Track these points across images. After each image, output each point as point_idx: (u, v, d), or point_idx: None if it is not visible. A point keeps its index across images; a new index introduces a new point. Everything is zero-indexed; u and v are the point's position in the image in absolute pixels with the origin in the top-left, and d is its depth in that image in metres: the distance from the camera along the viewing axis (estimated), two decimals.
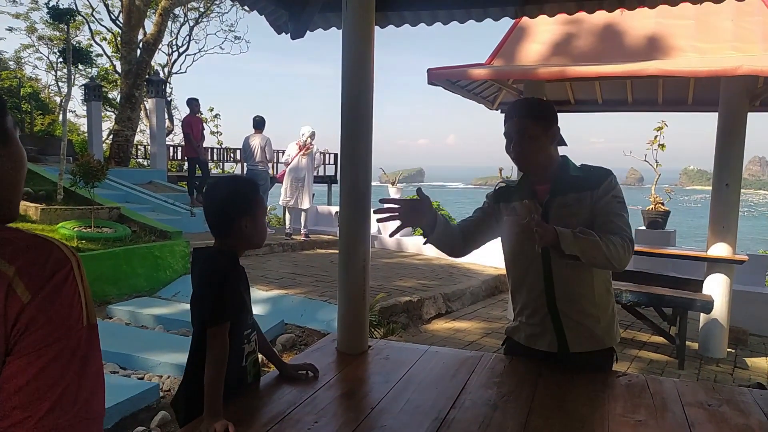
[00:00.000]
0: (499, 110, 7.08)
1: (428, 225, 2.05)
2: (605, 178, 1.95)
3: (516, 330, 2.15)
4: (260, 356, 1.87)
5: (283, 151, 9.81)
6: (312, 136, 8.93)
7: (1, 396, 0.73)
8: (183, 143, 10.72)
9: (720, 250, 5.14)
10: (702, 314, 5.21)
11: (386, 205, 2.03)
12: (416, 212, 2.04)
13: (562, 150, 2.09)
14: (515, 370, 2.08)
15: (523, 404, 1.76)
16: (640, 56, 5.21)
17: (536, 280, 2.02)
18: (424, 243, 2.15)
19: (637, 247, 6.51)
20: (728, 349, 5.34)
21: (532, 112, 1.98)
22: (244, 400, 1.73)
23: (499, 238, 2.16)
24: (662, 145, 8.08)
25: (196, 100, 10.54)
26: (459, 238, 2.15)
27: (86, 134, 14.90)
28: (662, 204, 7.89)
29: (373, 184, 2.38)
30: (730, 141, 5.09)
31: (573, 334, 2.01)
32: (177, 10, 21.04)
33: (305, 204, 8.96)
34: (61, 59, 22.50)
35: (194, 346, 1.68)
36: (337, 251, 2.39)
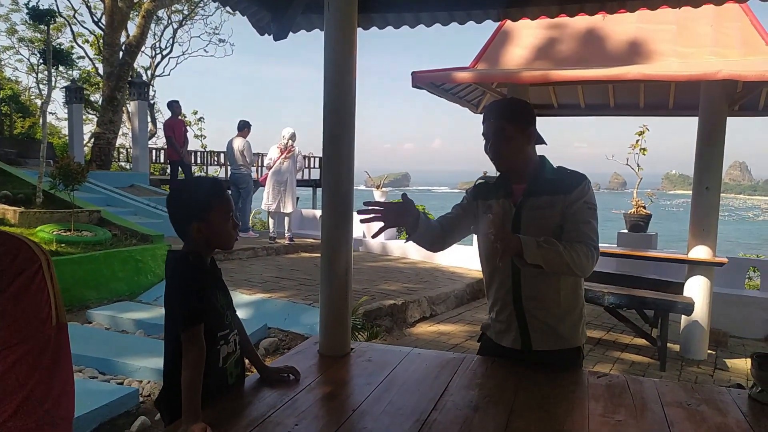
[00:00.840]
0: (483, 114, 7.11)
1: (411, 225, 2.08)
2: (579, 183, 1.97)
3: (488, 326, 2.22)
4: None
5: (265, 154, 9.74)
6: (292, 137, 8.82)
7: None
8: (165, 146, 10.58)
9: (700, 252, 5.21)
10: (683, 316, 5.27)
11: (370, 207, 2.05)
12: (399, 213, 2.07)
13: (541, 149, 2.12)
14: (496, 372, 2.08)
15: (504, 405, 1.75)
16: (621, 60, 5.27)
17: (505, 278, 2.06)
18: (406, 241, 2.21)
19: (619, 250, 6.60)
20: (708, 351, 5.40)
21: (509, 113, 2.00)
22: (223, 403, 1.70)
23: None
24: (644, 149, 8.19)
25: (177, 102, 10.41)
26: (439, 235, 2.17)
27: (67, 137, 14.70)
28: (644, 207, 7.98)
29: (358, 187, 2.39)
30: (710, 145, 5.16)
31: (537, 333, 2.04)
32: (160, 13, 20.89)
33: (288, 208, 8.88)
34: (41, 61, 22.22)
35: (169, 350, 1.65)
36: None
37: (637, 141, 8.16)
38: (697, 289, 5.24)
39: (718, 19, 5.22)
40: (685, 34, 5.33)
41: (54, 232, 6.30)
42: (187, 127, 10.96)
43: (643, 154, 8.17)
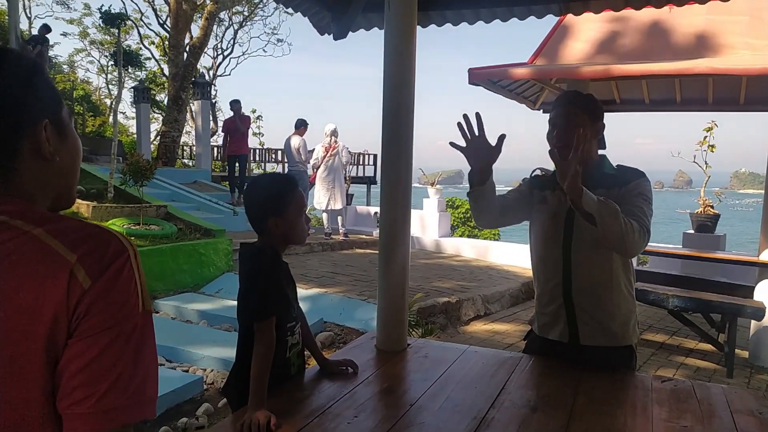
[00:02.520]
0: (541, 110, 6.98)
1: (483, 174, 1.97)
2: (637, 177, 1.95)
3: (534, 320, 2.20)
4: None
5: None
6: (333, 134, 9.00)
7: (64, 376, 0.77)
8: (229, 143, 11.04)
9: None
10: (753, 321, 5.01)
11: (467, 123, 1.94)
12: (487, 151, 1.95)
13: (600, 152, 2.07)
14: (554, 373, 2.05)
15: (563, 407, 1.74)
16: (689, 54, 5.05)
17: (555, 270, 2.03)
18: (468, 193, 2.05)
19: (684, 251, 6.35)
20: None
21: (582, 102, 1.99)
22: (286, 393, 1.76)
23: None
24: (712, 146, 7.82)
25: (238, 102, 10.89)
26: (497, 207, 2.09)
27: (135, 135, 15.41)
28: (712, 207, 7.64)
29: (412, 185, 2.40)
30: None
31: (586, 327, 2.01)
32: (222, 14, 21.54)
33: (338, 204, 9.03)
34: (111, 62, 23.34)
35: (242, 339, 1.72)
36: (375, 251, 2.42)
37: (705, 137, 7.80)
38: None
39: None
40: (757, 25, 5.06)
41: (124, 226, 6.64)
42: (249, 122, 11.36)
43: (712, 151, 7.80)
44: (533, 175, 2.19)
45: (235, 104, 10.89)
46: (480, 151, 1.96)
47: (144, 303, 0.84)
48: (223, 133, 10.83)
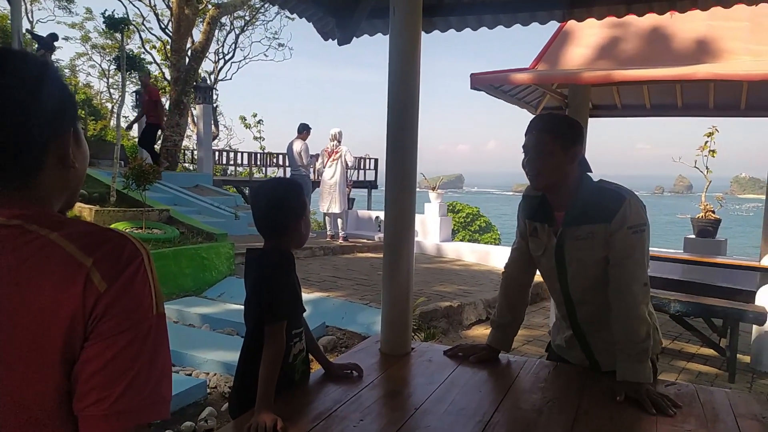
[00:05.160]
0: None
1: (503, 347, 2.24)
2: (618, 207, 1.80)
3: (552, 336, 2.21)
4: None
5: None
6: (334, 137, 9.21)
7: (80, 378, 0.78)
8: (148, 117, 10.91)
9: None
10: (754, 326, 5.02)
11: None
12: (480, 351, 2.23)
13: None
14: (560, 376, 2.06)
15: (568, 410, 1.74)
16: (690, 59, 5.07)
17: (560, 302, 2.04)
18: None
19: (686, 256, 6.35)
20: None
21: (553, 128, 1.85)
22: (292, 397, 1.77)
23: None
24: (713, 151, 7.83)
25: (147, 74, 11.10)
26: (525, 298, 2.22)
27: (136, 139, 15.42)
28: (713, 212, 7.64)
29: None
30: None
31: (603, 355, 2.01)
32: (224, 19, 21.60)
33: (336, 209, 9.25)
34: (113, 66, 23.40)
35: (247, 343, 1.73)
36: (377, 256, 2.44)
37: (706, 142, 7.82)
38: None
39: None
40: (759, 31, 5.08)
41: (127, 230, 6.65)
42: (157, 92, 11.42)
43: (712, 157, 7.81)
44: (523, 199, 2.09)
45: (144, 77, 11.03)
46: (477, 350, 2.23)
47: (158, 306, 0.85)
48: (146, 104, 10.76)
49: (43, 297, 0.76)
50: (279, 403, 1.65)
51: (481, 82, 5.60)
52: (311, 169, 9.76)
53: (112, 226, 6.73)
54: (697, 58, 5.13)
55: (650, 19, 5.34)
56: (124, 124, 10.94)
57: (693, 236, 7.48)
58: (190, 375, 3.98)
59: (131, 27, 19.58)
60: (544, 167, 1.85)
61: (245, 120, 26.01)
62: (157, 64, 23.64)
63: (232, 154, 17.99)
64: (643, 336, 1.82)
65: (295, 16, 2.98)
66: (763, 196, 5.17)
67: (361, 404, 1.76)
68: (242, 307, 1.79)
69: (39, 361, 0.77)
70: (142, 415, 0.80)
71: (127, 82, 21.23)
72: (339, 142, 9.20)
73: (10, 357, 0.76)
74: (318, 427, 1.59)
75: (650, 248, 1.93)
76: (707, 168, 7.98)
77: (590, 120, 6.12)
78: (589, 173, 1.94)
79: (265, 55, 37.68)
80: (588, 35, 5.76)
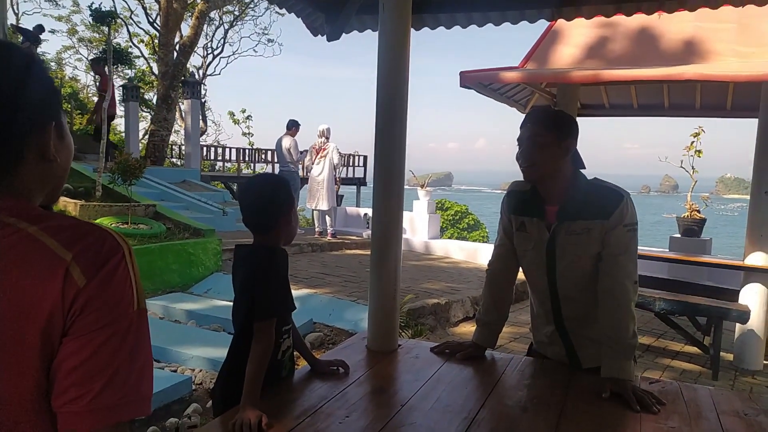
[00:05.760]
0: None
1: (488, 344, 2.23)
2: (617, 205, 1.83)
3: (533, 333, 2.21)
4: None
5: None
6: (322, 134, 9.21)
7: (59, 375, 0.77)
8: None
9: (757, 259, 5.01)
10: (738, 324, 5.08)
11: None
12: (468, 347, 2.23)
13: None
14: (545, 373, 2.07)
15: (553, 407, 1.75)
16: (677, 60, 5.12)
17: (544, 297, 2.04)
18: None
19: (671, 255, 6.41)
20: (765, 362, 5.19)
21: (547, 121, 1.89)
22: (277, 393, 1.76)
23: None
24: (699, 152, 7.91)
25: (99, 61, 10.36)
26: (509, 295, 2.23)
27: (123, 134, 15.28)
28: (698, 212, 7.72)
29: None
30: None
31: (584, 351, 2.02)
32: (213, 14, 21.44)
33: (324, 205, 9.26)
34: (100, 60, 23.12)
35: (236, 340, 1.72)
36: (365, 252, 2.44)
37: (692, 143, 7.90)
38: (753, 296, 5.04)
39: None
40: (745, 33, 5.13)
41: (112, 225, 6.59)
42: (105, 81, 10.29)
43: (699, 157, 7.89)
44: (509, 193, 2.10)
45: (95, 64, 10.80)
46: (463, 347, 2.23)
47: (139, 301, 0.84)
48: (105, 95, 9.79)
49: (22, 291, 0.75)
50: (264, 400, 1.64)
51: (470, 80, 5.61)
52: (300, 166, 9.74)
53: (98, 221, 6.66)
54: (684, 58, 5.18)
55: (638, 20, 5.39)
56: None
57: (678, 235, 7.56)
58: (175, 371, 3.95)
59: (119, 20, 19.36)
60: (537, 158, 1.88)
61: (234, 115, 25.85)
62: (145, 59, 23.43)
63: (220, 150, 17.88)
64: (632, 333, 1.84)
65: (284, 11, 2.96)
66: (748, 196, 5.23)
67: (347, 401, 1.76)
68: (229, 303, 1.78)
69: (17, 357, 0.75)
70: (122, 412, 0.79)
71: (114, 76, 21.04)
72: (327, 138, 9.20)
73: None
74: (303, 424, 1.59)
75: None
76: (693, 168, 8.06)
77: (578, 119, 6.15)
78: (582, 170, 1.96)
79: (254, 50, 37.46)
80: (577, 35, 5.79)
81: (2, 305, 0.74)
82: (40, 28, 11.53)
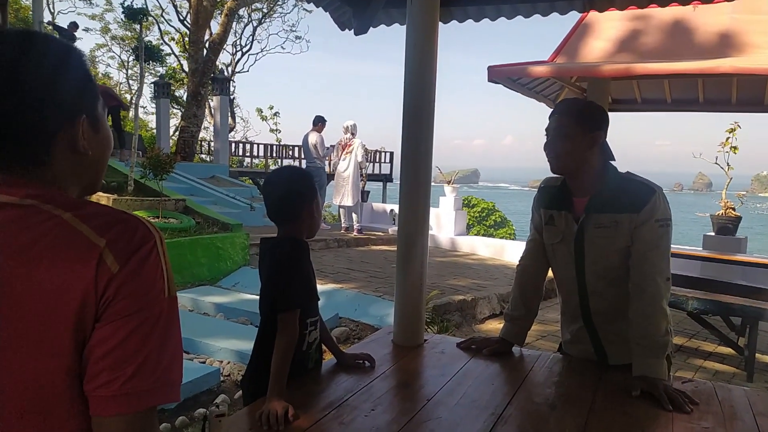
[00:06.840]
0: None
1: (516, 340, 2.23)
2: (648, 199, 1.80)
3: (562, 333, 2.18)
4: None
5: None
6: (347, 130, 9.23)
7: (91, 359, 0.78)
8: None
9: None
10: None
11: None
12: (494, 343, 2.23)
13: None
14: (574, 371, 2.04)
15: (582, 405, 1.72)
16: (712, 53, 4.98)
17: (572, 293, 2.01)
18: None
19: (704, 253, 6.26)
20: None
21: (575, 112, 1.87)
22: (304, 385, 1.77)
23: None
24: (735, 148, 7.69)
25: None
26: (539, 291, 2.19)
27: (154, 130, 15.56)
28: (733, 209, 7.51)
29: None
30: None
31: (612, 346, 1.98)
32: (242, 11, 21.66)
33: (349, 201, 9.29)
34: (132, 57, 23.60)
35: (261, 332, 1.74)
36: (391, 248, 2.45)
37: (728, 138, 7.68)
38: None
39: None
40: None
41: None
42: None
43: (734, 153, 7.67)
44: (540, 189, 2.09)
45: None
46: (490, 343, 2.23)
47: (170, 289, 0.85)
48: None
49: (56, 277, 0.76)
50: (290, 391, 1.65)
51: (498, 74, 5.56)
52: (327, 161, 9.80)
53: None
54: (720, 51, 5.04)
55: (672, 12, 5.26)
56: (141, 115, 10.92)
57: (712, 234, 7.37)
58: (204, 363, 4.02)
59: (150, 18, 19.70)
60: (563, 150, 1.86)
61: (262, 112, 26.12)
62: (176, 56, 23.81)
63: (248, 146, 18.08)
64: (664, 331, 1.79)
65: (312, 6, 2.97)
66: None
67: (372, 394, 1.76)
68: (256, 297, 1.79)
69: (50, 342, 0.77)
70: (152, 398, 0.79)
71: (146, 73, 21.43)
72: (353, 135, 9.23)
73: (21, 337, 0.76)
74: (329, 416, 1.59)
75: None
76: (728, 165, 7.84)
77: (609, 114, 6.04)
78: (612, 162, 1.92)
79: (282, 47, 37.64)
80: (608, 28, 5.68)
81: (36, 290, 0.76)
82: (74, 26, 11.80)
